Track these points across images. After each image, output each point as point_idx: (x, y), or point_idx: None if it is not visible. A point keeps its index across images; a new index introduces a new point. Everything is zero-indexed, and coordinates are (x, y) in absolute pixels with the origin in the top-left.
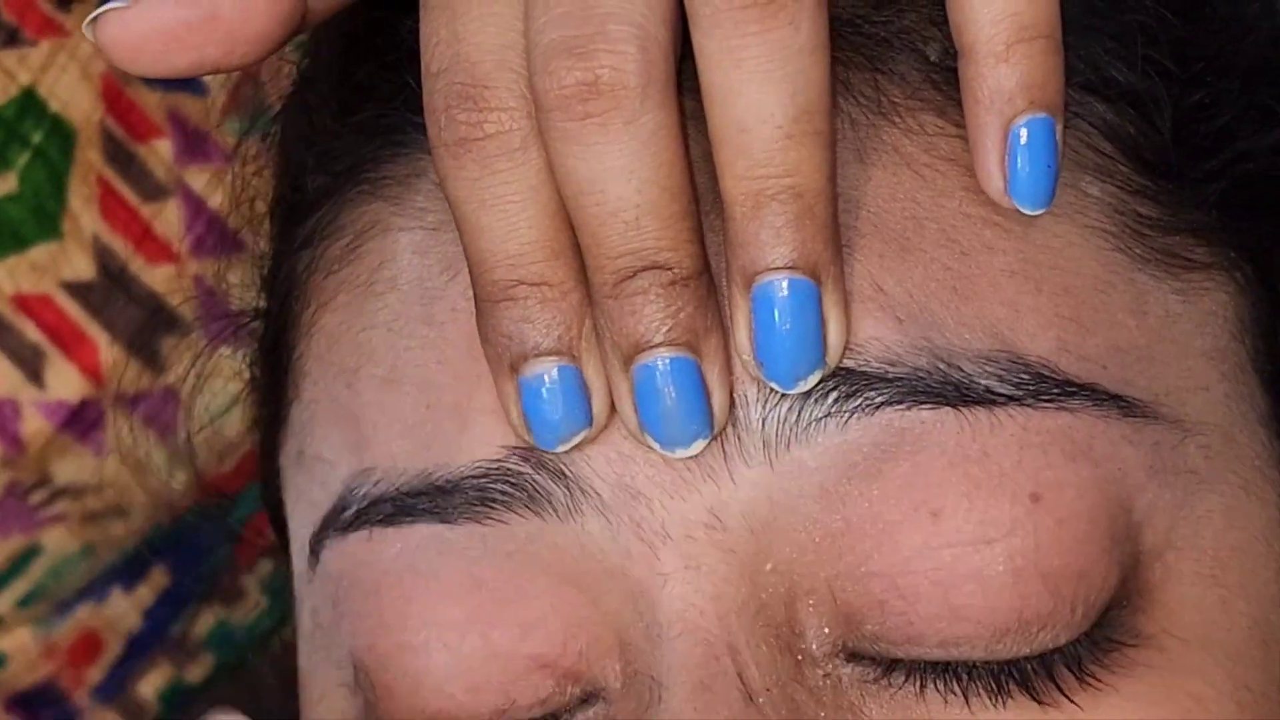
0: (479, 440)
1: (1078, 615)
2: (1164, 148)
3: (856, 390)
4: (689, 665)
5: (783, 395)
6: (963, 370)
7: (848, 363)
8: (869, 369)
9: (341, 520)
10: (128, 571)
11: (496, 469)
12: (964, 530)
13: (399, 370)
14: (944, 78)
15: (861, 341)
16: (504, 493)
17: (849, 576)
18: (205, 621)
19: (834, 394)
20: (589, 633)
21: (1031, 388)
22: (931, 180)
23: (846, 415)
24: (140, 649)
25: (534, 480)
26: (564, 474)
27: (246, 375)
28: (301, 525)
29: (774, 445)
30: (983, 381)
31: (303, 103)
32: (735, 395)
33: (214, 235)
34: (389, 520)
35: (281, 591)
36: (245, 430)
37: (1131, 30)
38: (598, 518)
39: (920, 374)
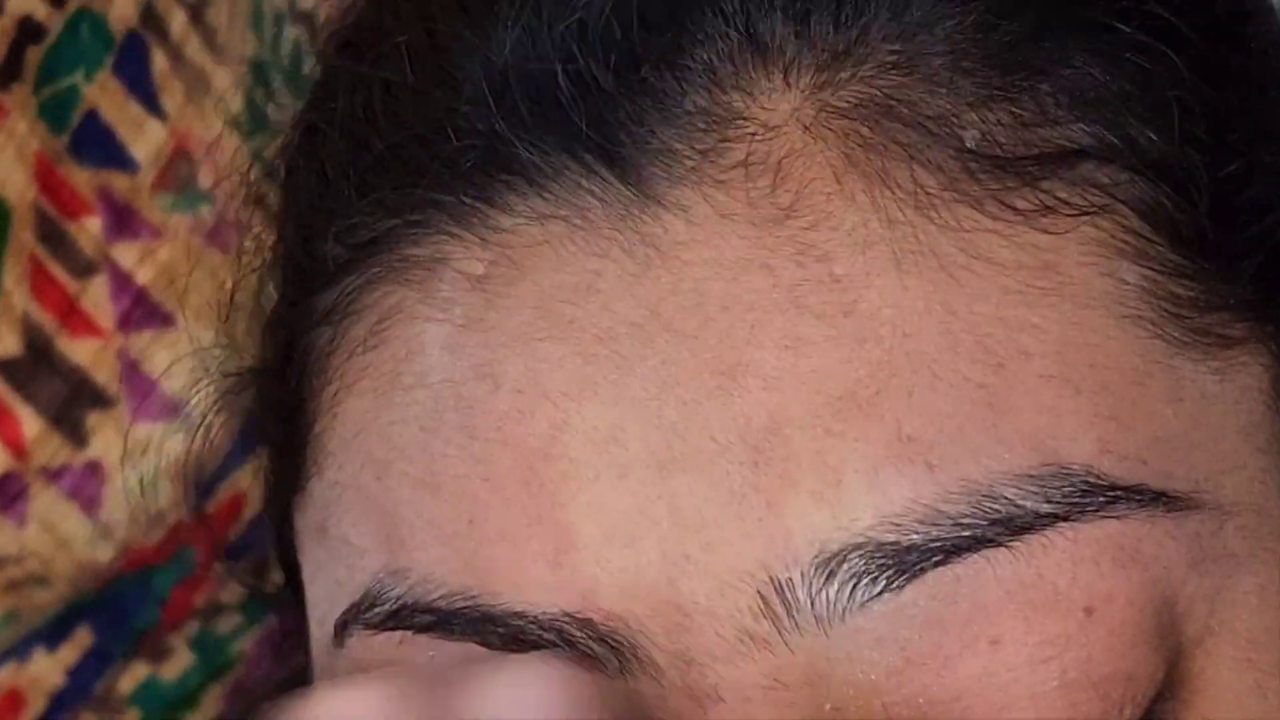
0: (534, 591)
1: (1125, 716)
2: (1200, 223)
3: (905, 565)
4: None
5: (829, 576)
6: (1006, 498)
7: (891, 537)
8: (914, 539)
9: (372, 616)
10: (51, 633)
11: (549, 625)
12: (1022, 653)
13: (436, 475)
14: (980, 166)
15: (900, 510)
16: (552, 643)
17: (906, 704)
18: (131, 678)
19: (884, 577)
20: None
21: (1076, 501)
22: (967, 283)
23: (900, 585)
24: (64, 706)
25: (588, 645)
26: (621, 643)
27: (172, 448)
28: (323, 598)
29: (827, 619)
30: (1028, 504)
31: (314, 157)
32: (779, 578)
33: (140, 310)
34: (425, 629)
35: (210, 650)
36: (172, 501)
37: (1166, 104)
38: (650, 682)
39: (963, 523)
